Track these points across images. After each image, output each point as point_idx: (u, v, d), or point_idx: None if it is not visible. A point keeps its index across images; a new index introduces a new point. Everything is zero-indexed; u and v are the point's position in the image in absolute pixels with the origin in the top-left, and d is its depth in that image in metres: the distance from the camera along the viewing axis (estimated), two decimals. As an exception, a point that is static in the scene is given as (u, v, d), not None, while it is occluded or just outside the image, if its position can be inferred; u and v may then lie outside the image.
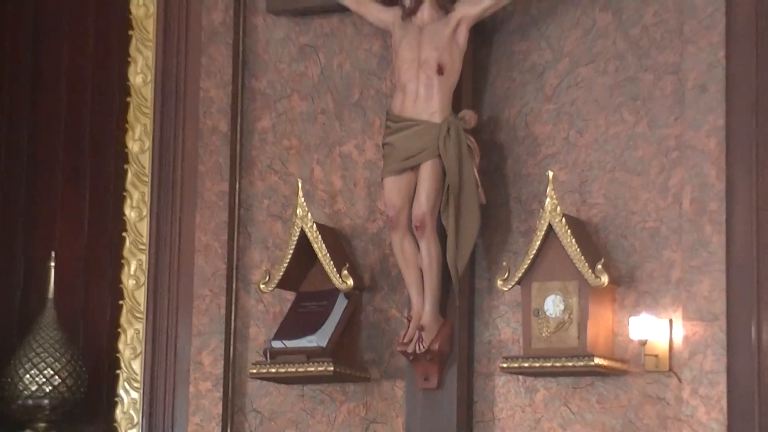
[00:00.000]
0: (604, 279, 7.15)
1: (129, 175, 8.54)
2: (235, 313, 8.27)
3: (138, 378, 8.33)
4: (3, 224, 9.04)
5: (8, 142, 9.09)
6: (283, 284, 7.86)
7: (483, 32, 7.87)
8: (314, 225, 7.76)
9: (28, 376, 8.36)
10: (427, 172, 7.55)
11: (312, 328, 7.80)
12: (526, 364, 7.33)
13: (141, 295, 8.42)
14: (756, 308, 7.11)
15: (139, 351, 8.36)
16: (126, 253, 8.45)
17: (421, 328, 7.47)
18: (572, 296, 7.37)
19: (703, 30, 7.38)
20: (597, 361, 7.15)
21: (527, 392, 7.58)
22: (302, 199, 7.77)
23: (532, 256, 7.32)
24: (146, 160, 8.52)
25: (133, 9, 8.57)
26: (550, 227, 7.25)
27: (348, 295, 7.81)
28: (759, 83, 7.25)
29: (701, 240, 7.21)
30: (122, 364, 8.37)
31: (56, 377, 8.34)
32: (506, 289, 7.42)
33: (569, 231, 7.24)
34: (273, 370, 7.81)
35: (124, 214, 8.50)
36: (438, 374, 7.59)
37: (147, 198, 8.49)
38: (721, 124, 7.26)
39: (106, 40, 8.95)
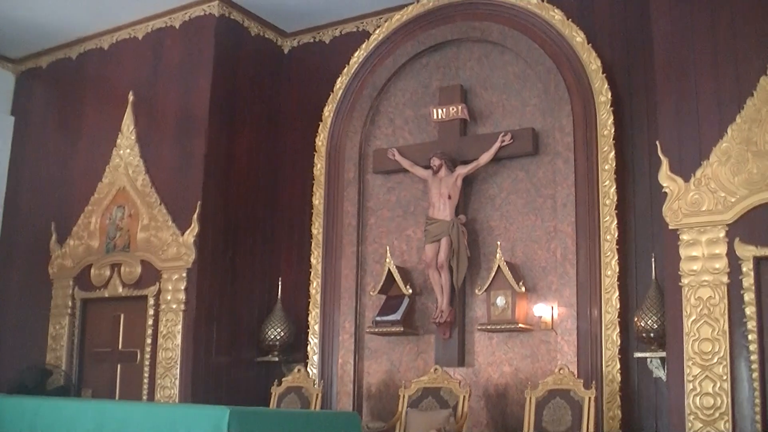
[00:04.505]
0: (522, 289, 7.72)
1: (313, 245, 8.92)
2: (360, 305, 8.62)
3: (317, 333, 8.70)
4: (260, 266, 9.24)
5: (263, 228, 9.32)
6: (380, 292, 8.34)
7: (468, 180, 8.29)
8: (394, 266, 8.26)
9: (270, 331, 8.80)
10: (444, 242, 8.01)
11: (393, 311, 8.23)
12: (489, 327, 7.83)
13: (318, 297, 8.74)
14: (589, 302, 7.42)
15: (317, 321, 8.71)
16: (312, 278, 8.75)
17: (441, 311, 7.99)
18: (509, 297, 7.75)
19: (563, 179, 7.73)
20: (519, 325, 7.70)
21: (488, 340, 8.06)
22: (389, 255, 8.31)
23: (490, 279, 7.80)
24: (320, 238, 8.86)
25: (315, 171, 9.02)
26: (498, 267, 7.74)
27: (409, 297, 8.27)
28: (588, 204, 7.53)
29: (564, 272, 7.63)
30: (310, 327, 8.78)
31: (281, 332, 8.79)
32: (479, 293, 7.95)
33: (507, 268, 7.70)
34: (376, 330, 8.34)
35: (311, 262, 8.92)
36: (449, 332, 8.07)
37: (320, 254, 8.83)
38: (573, 220, 7.65)
39: (303, 187, 9.21)
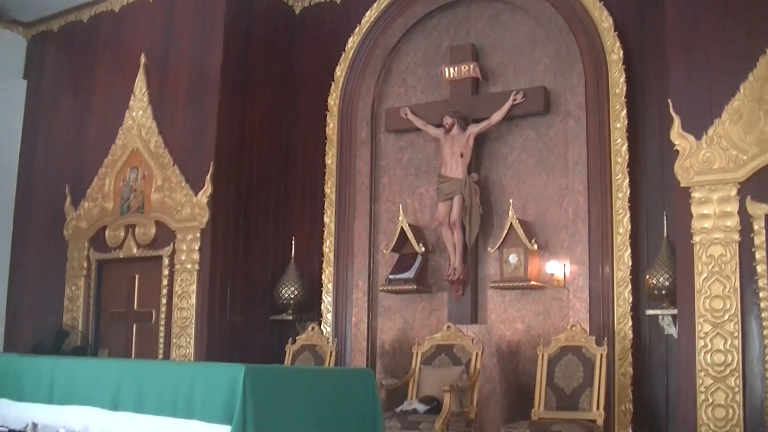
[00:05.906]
0: (535, 247, 7.77)
1: (326, 204, 8.95)
2: (373, 263, 8.71)
3: (331, 291, 8.78)
4: (274, 225, 9.25)
5: (276, 188, 9.34)
6: (393, 250, 8.44)
7: (480, 138, 8.32)
8: (407, 224, 8.32)
9: (284, 290, 8.85)
10: (456, 200, 8.08)
11: (406, 269, 8.32)
12: (501, 285, 7.92)
13: (331, 255, 8.82)
14: (601, 260, 7.49)
15: (331, 279, 8.79)
16: (326, 237, 8.85)
17: (454, 269, 8.09)
18: (521, 255, 7.82)
19: (575, 138, 7.77)
20: (531, 282, 7.77)
21: (501, 297, 8.14)
22: (401, 213, 8.36)
23: (503, 237, 7.86)
24: (333, 197, 8.92)
25: (327, 131, 9.07)
26: (511, 224, 7.79)
27: (422, 255, 8.36)
28: (600, 162, 7.55)
29: (576, 230, 7.70)
30: (323, 286, 8.85)
31: (295, 291, 8.83)
32: (492, 251, 8.01)
33: (519, 226, 7.76)
34: (390, 288, 8.43)
35: (323, 221, 8.95)
36: (462, 289, 8.16)
37: (333, 214, 8.89)
38: (585, 179, 7.69)
39: (315, 146, 9.24)
